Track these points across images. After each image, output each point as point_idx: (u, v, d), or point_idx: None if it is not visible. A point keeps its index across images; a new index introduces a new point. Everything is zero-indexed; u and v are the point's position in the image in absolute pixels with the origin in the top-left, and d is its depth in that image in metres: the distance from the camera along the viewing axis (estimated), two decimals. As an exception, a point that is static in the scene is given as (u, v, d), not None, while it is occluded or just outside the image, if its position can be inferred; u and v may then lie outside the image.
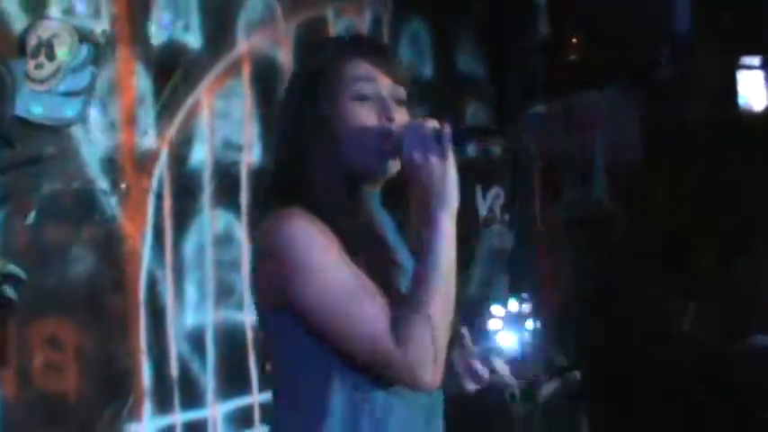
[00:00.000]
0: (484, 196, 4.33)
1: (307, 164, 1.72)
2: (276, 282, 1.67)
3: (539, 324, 4.13)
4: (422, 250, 1.68)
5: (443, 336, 1.64)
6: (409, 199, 1.78)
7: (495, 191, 4.37)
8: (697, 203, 4.43)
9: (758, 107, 4.57)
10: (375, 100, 1.73)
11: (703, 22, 4.34)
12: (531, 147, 4.46)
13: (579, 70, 4.51)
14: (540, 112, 4.52)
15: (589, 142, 4.63)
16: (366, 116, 1.72)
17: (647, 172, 4.57)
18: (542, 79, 4.49)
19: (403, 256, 1.77)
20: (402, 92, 1.76)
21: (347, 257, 1.65)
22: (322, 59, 1.78)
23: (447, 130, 1.66)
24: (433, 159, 1.65)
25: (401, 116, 1.73)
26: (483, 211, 4.33)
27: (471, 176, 4.28)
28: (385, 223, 1.79)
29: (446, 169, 1.66)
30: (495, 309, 4.12)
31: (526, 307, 4.11)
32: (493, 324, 4.06)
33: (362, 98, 1.73)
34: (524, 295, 4.20)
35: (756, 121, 4.53)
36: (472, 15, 4.24)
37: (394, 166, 1.73)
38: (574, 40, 4.56)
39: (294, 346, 1.70)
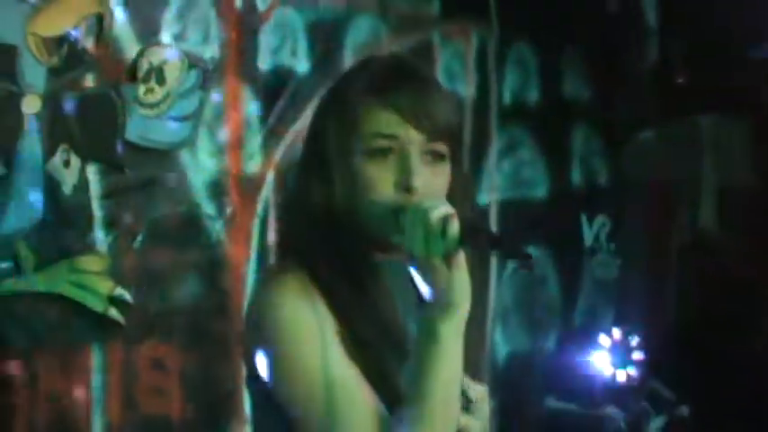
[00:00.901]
0: (590, 225, 4.25)
1: (307, 221, 1.48)
2: (254, 354, 1.46)
3: (646, 356, 4.05)
4: (415, 365, 1.39)
5: None
6: None
7: (600, 219, 4.28)
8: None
9: None
10: (396, 158, 1.44)
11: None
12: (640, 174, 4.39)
13: (689, 95, 4.41)
14: (649, 138, 4.44)
15: (698, 168, 4.53)
16: (379, 179, 1.43)
17: (759, 199, 4.44)
18: (651, 104, 4.40)
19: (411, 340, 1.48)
20: (440, 147, 1.46)
21: (337, 344, 1.41)
22: (342, 98, 1.49)
23: (454, 230, 1.35)
24: (435, 257, 1.36)
25: (433, 178, 1.45)
26: (588, 240, 4.25)
27: (577, 205, 4.21)
28: (406, 295, 1.51)
29: (451, 273, 1.37)
30: (602, 339, 4.05)
31: (632, 338, 4.03)
32: (598, 356, 4.00)
33: (380, 155, 1.44)
34: (631, 326, 4.11)
35: None
36: (580, 38, 4.18)
37: None
38: (683, 63, 4.47)
39: (269, 424, 1.49)
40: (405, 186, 1.43)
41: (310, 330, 1.41)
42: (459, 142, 1.51)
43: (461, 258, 1.38)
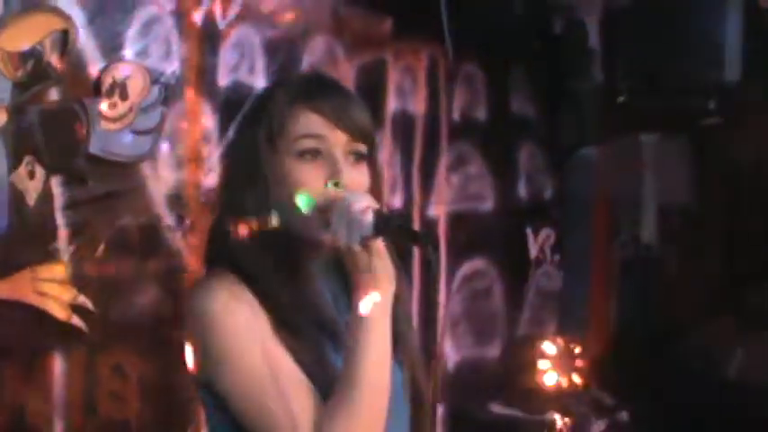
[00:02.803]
0: (535, 237, 4.38)
1: (240, 225, 1.57)
2: (195, 356, 1.55)
3: (587, 363, 4.17)
4: (348, 342, 1.52)
5: None
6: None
7: (545, 232, 4.41)
8: (747, 246, 4.45)
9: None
10: (324, 159, 1.56)
11: (752, 72, 4.38)
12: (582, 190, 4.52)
13: (630, 114, 4.55)
14: (592, 154, 4.57)
15: (639, 185, 4.67)
16: (310, 178, 1.55)
17: (698, 215, 4.60)
18: (594, 122, 4.54)
19: (345, 328, 1.58)
20: (361, 147, 1.59)
21: (272, 337, 1.51)
22: (269, 104, 1.60)
23: (369, 215, 1.49)
24: (356, 245, 1.49)
25: (358, 175, 1.58)
26: (533, 251, 4.38)
27: (522, 218, 4.33)
28: (330, 287, 1.64)
29: (371, 256, 1.50)
30: (545, 347, 4.17)
31: (575, 347, 4.15)
32: (542, 363, 4.12)
33: (309, 156, 1.56)
34: (573, 335, 4.24)
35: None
36: (526, 59, 4.31)
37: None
38: (625, 85, 4.61)
39: (218, 424, 1.57)
40: (334, 182, 1.54)
41: (245, 323, 1.50)
42: (374, 144, 1.63)
43: (380, 245, 1.51)
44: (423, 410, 1.66)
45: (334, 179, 1.55)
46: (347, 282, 1.59)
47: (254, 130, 1.59)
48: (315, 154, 1.56)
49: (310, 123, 1.56)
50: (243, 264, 1.55)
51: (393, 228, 1.53)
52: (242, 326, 1.50)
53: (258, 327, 1.51)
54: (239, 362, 1.49)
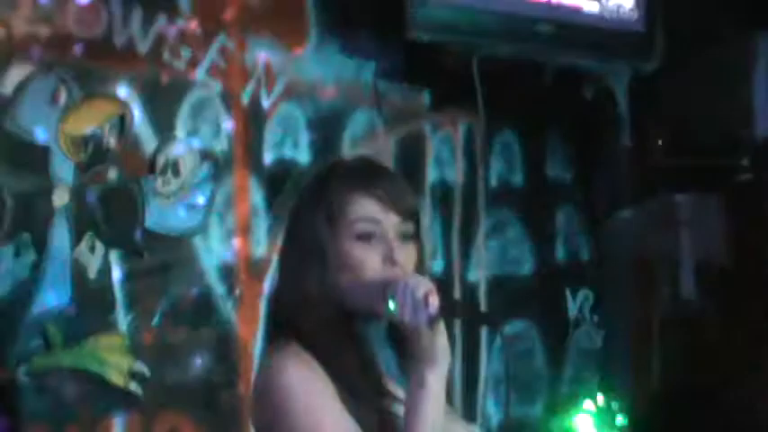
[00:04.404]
0: (573, 298, 4.45)
1: (303, 300, 1.69)
2: (265, 427, 1.66)
3: (628, 420, 4.21)
4: (408, 409, 1.65)
5: None
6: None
7: (583, 292, 4.47)
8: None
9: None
10: (379, 240, 1.69)
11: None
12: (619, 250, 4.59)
13: (664, 174, 4.62)
14: (628, 216, 4.64)
15: (676, 243, 4.72)
16: (368, 258, 1.68)
17: (735, 271, 4.63)
18: (629, 184, 4.62)
19: (402, 393, 1.71)
20: (410, 227, 1.73)
21: (338, 404, 1.62)
22: (326, 189, 1.73)
23: (435, 302, 1.62)
24: (422, 326, 1.62)
25: (407, 253, 1.71)
26: (572, 312, 4.44)
27: (561, 280, 4.41)
28: (386, 357, 1.76)
29: (434, 335, 1.63)
30: (587, 405, 4.23)
31: (616, 404, 4.20)
32: (583, 420, 4.18)
33: (366, 238, 1.69)
34: (614, 393, 4.28)
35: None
36: (559, 125, 4.41)
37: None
38: (658, 144, 4.68)
39: None
40: (390, 261, 1.68)
41: (314, 394, 1.62)
42: (419, 223, 1.78)
43: (441, 325, 1.65)
44: None
45: (390, 257, 1.69)
46: (399, 347, 1.74)
47: (314, 213, 1.73)
48: (370, 236, 1.70)
49: (367, 208, 1.70)
50: (306, 336, 1.67)
51: (462, 312, 1.72)
52: (317, 393, 1.62)
53: (329, 393, 1.63)
54: (316, 427, 1.60)
